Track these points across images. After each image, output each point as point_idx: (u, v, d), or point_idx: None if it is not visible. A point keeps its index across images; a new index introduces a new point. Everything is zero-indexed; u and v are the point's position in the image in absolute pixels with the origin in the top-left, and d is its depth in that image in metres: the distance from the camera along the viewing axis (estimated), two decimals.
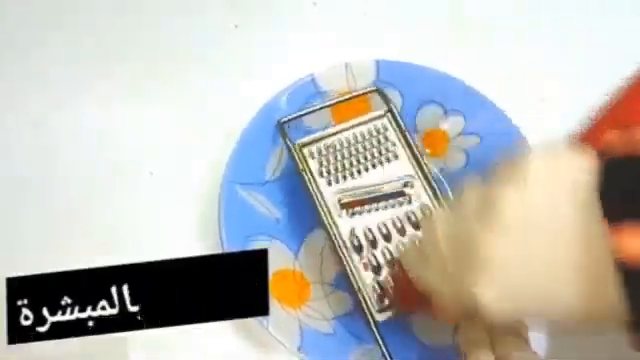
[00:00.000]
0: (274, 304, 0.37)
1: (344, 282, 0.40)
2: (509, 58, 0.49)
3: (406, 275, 0.32)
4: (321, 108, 0.41)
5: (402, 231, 0.38)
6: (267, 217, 0.40)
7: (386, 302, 0.36)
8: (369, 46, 0.49)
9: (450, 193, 0.40)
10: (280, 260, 0.40)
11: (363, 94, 0.42)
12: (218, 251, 0.39)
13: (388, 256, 0.37)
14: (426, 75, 0.43)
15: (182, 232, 0.43)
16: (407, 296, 0.34)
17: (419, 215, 0.38)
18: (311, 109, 0.41)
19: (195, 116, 0.47)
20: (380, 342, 0.35)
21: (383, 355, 0.35)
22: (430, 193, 0.38)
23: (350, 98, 0.41)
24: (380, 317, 0.36)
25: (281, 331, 0.36)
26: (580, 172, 0.24)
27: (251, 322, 0.38)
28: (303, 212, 0.41)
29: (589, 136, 0.28)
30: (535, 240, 0.24)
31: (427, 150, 0.43)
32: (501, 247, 0.25)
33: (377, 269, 0.37)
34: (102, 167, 0.45)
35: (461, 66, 0.43)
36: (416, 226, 0.38)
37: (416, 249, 0.32)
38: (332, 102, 0.41)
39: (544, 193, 0.24)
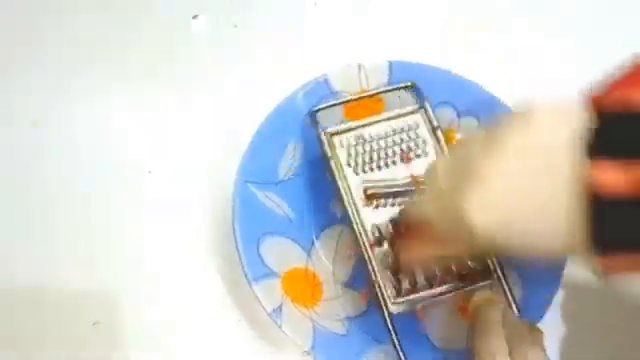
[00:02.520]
0: (287, 303, 0.37)
1: (357, 282, 0.40)
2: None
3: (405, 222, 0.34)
4: (347, 101, 0.41)
5: None
6: (280, 216, 0.40)
7: (402, 295, 0.36)
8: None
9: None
10: (293, 259, 0.40)
11: (397, 89, 0.41)
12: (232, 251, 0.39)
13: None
14: (439, 77, 0.43)
15: (187, 233, 0.43)
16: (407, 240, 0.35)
17: None
18: (342, 100, 0.41)
19: (197, 117, 0.46)
20: (393, 335, 0.35)
21: (395, 349, 0.35)
22: None
23: (384, 91, 0.41)
24: (395, 309, 0.35)
25: (294, 330, 0.36)
26: (579, 121, 0.25)
27: (264, 322, 0.38)
28: (316, 212, 0.41)
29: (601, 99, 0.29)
30: (530, 172, 0.26)
31: None
32: (497, 171, 0.27)
33: (396, 264, 0.36)
34: (102, 167, 0.45)
35: (474, 68, 0.43)
36: None
37: (417, 192, 0.34)
38: (357, 97, 0.41)
39: (546, 134, 0.26)
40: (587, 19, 0.51)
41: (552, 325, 0.40)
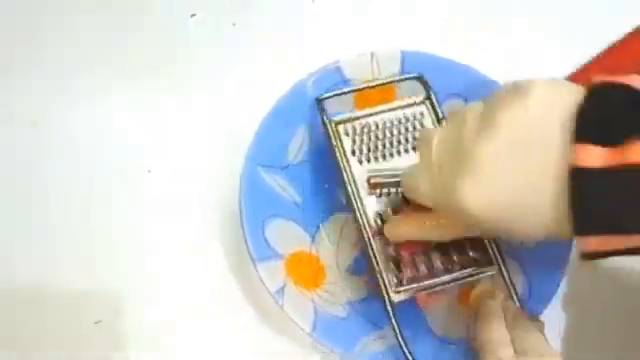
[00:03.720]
0: (290, 285, 0.38)
1: (360, 268, 0.40)
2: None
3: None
4: (354, 90, 0.41)
5: None
6: (287, 200, 0.41)
7: (403, 284, 0.36)
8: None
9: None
10: (297, 242, 0.40)
11: (403, 79, 0.41)
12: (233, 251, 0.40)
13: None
14: (451, 68, 0.43)
15: (188, 233, 0.43)
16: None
17: None
18: (349, 89, 0.41)
19: (196, 116, 0.47)
20: (394, 323, 0.35)
21: (396, 337, 0.35)
22: None
23: (390, 82, 0.41)
24: (396, 298, 0.36)
25: (296, 311, 0.37)
26: (572, 99, 0.26)
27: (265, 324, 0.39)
28: (323, 197, 0.42)
29: (580, 77, 0.29)
30: (523, 155, 0.26)
31: None
32: (491, 152, 0.27)
33: (397, 251, 0.37)
34: (102, 166, 0.45)
35: (482, 58, 0.43)
36: None
37: (411, 167, 0.34)
38: (364, 86, 0.41)
39: (540, 115, 0.26)
40: (588, 19, 0.50)
41: (555, 318, 0.40)
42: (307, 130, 0.42)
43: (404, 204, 0.37)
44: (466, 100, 0.43)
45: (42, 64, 0.48)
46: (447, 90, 0.43)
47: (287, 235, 0.40)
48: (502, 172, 0.27)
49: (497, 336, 0.33)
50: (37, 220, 0.44)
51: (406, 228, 0.35)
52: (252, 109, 0.44)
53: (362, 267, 0.40)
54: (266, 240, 0.38)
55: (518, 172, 0.26)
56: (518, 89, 0.27)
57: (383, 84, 0.41)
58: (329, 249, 0.41)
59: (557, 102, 0.26)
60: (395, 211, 0.37)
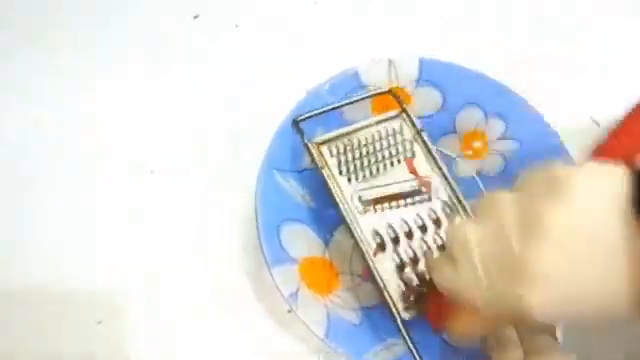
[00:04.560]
0: (303, 289, 0.37)
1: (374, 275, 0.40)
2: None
3: (435, 289, 0.32)
4: (334, 108, 0.41)
5: (423, 228, 0.38)
6: (301, 204, 0.41)
7: (411, 300, 0.36)
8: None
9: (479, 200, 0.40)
10: (311, 248, 0.40)
11: (377, 94, 0.42)
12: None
13: (410, 253, 0.37)
14: (468, 76, 0.43)
15: (188, 233, 0.43)
16: (439, 311, 0.34)
17: (439, 212, 0.38)
18: (327, 108, 0.40)
19: (199, 117, 0.47)
20: (407, 339, 0.35)
21: (411, 352, 0.35)
22: (449, 191, 0.39)
23: (364, 98, 0.41)
24: (406, 315, 0.36)
25: (309, 316, 0.36)
26: (618, 184, 0.25)
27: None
28: (336, 204, 0.42)
29: (609, 149, 0.29)
30: (584, 252, 0.25)
31: (466, 152, 0.43)
32: (549, 261, 0.25)
33: (401, 267, 0.37)
34: (103, 167, 0.45)
35: (498, 67, 0.43)
36: (437, 222, 0.38)
37: (444, 261, 0.31)
38: (344, 102, 0.41)
39: (589, 206, 0.25)
40: (595, 19, 0.51)
41: None
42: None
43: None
44: (482, 108, 0.43)
45: (42, 64, 0.48)
46: (463, 98, 0.43)
47: (301, 240, 0.39)
48: (564, 274, 0.25)
49: (504, 338, 0.32)
50: (37, 220, 0.44)
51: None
52: (254, 110, 0.44)
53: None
54: (281, 244, 0.38)
55: (582, 269, 0.25)
56: (555, 182, 0.26)
57: (360, 100, 0.41)
58: (343, 255, 0.41)
59: (603, 189, 0.25)
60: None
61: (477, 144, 0.43)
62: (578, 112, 0.46)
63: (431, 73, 0.42)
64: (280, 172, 0.40)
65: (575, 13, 0.51)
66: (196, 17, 0.50)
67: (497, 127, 0.43)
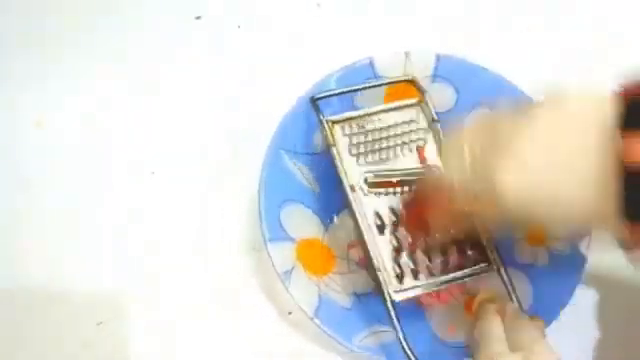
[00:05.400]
0: (298, 268, 0.38)
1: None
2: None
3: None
4: (352, 91, 0.41)
5: None
6: (306, 187, 0.41)
7: (404, 283, 0.36)
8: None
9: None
10: (310, 230, 0.40)
11: (397, 82, 0.42)
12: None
13: (409, 240, 0.38)
14: (483, 77, 0.43)
15: (189, 233, 0.43)
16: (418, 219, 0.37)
17: None
18: (345, 89, 0.41)
19: (200, 117, 0.47)
20: (395, 321, 0.35)
21: (397, 335, 0.35)
22: None
23: (383, 84, 0.42)
24: (397, 297, 0.36)
25: (301, 294, 0.37)
26: (608, 104, 0.27)
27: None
28: (340, 190, 0.42)
29: None
30: (562, 144, 0.28)
31: None
32: (529, 141, 0.28)
33: (398, 250, 0.37)
34: (103, 167, 0.45)
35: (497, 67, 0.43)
36: None
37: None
38: (362, 87, 0.41)
39: (576, 110, 0.28)
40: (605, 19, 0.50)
41: (570, 324, 0.39)
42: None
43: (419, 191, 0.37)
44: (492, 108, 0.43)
45: (43, 64, 0.48)
46: (478, 99, 0.43)
47: (302, 221, 0.40)
48: (542, 158, 0.28)
49: (492, 333, 0.33)
50: (38, 220, 0.44)
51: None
52: (254, 110, 0.45)
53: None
54: (280, 222, 0.39)
55: (557, 154, 0.28)
56: (552, 98, 0.29)
57: (379, 85, 0.42)
58: (341, 240, 0.41)
59: (594, 106, 0.28)
60: (406, 203, 0.38)
61: None
62: None
63: (447, 70, 0.43)
64: (287, 153, 0.41)
65: (575, 12, 0.51)
66: (198, 18, 0.50)
67: None
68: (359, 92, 0.41)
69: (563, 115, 0.28)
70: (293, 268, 0.38)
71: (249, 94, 0.47)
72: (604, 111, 0.27)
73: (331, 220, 0.42)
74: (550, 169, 0.28)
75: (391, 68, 0.43)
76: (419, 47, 0.43)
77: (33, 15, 0.51)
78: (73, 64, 0.49)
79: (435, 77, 0.43)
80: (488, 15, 0.51)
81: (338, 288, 0.39)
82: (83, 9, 0.51)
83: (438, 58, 0.43)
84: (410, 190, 0.39)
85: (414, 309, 0.39)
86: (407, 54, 0.43)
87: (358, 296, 0.39)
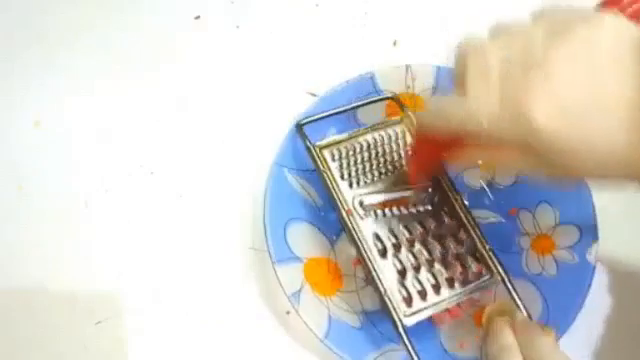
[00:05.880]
0: (306, 289, 0.38)
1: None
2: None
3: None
4: (339, 112, 0.41)
5: (425, 234, 0.38)
6: (310, 204, 0.41)
7: (413, 306, 0.36)
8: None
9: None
10: (317, 248, 0.40)
11: (382, 99, 0.42)
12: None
13: (412, 260, 0.37)
14: None
15: (188, 232, 0.43)
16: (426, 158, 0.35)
17: (441, 218, 0.38)
18: (330, 112, 0.41)
19: (196, 117, 0.47)
20: (409, 346, 0.35)
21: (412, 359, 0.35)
22: (451, 195, 0.39)
23: (370, 102, 0.41)
24: (408, 322, 0.35)
25: (310, 317, 0.37)
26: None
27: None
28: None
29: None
30: (595, 63, 0.25)
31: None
32: (563, 60, 0.26)
33: (402, 273, 0.37)
34: (103, 167, 0.45)
35: None
36: (438, 228, 0.38)
37: (443, 99, 0.31)
38: (351, 106, 0.41)
39: (611, 31, 0.26)
40: None
41: (581, 333, 0.39)
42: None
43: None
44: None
45: (43, 64, 0.48)
46: None
47: (308, 239, 0.40)
48: (577, 77, 0.25)
49: (505, 345, 0.32)
50: (37, 220, 0.44)
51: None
52: (254, 111, 0.44)
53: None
54: (287, 242, 0.38)
55: (593, 81, 0.25)
56: (587, 18, 0.27)
57: (359, 106, 0.41)
58: (348, 257, 0.41)
59: (628, 31, 0.26)
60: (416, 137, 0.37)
61: None
62: None
63: (447, 81, 0.42)
64: (290, 171, 0.40)
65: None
66: (197, 18, 0.50)
67: None
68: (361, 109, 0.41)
69: (597, 32, 0.26)
70: (301, 289, 0.37)
71: (248, 93, 0.47)
72: (636, 35, 0.25)
73: (337, 236, 0.41)
74: (586, 90, 0.25)
75: (392, 81, 0.42)
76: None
77: (33, 15, 0.51)
78: (72, 64, 0.49)
79: (436, 90, 0.42)
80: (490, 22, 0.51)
81: (347, 307, 0.39)
82: (83, 9, 0.51)
83: (438, 70, 0.43)
84: (407, 208, 0.39)
85: (424, 325, 0.38)
86: (408, 67, 0.43)
87: (367, 314, 0.39)
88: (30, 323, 0.41)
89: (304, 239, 0.39)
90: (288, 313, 0.40)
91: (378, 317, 0.39)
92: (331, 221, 0.41)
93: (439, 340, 0.39)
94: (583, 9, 0.28)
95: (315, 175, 0.41)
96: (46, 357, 0.40)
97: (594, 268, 0.38)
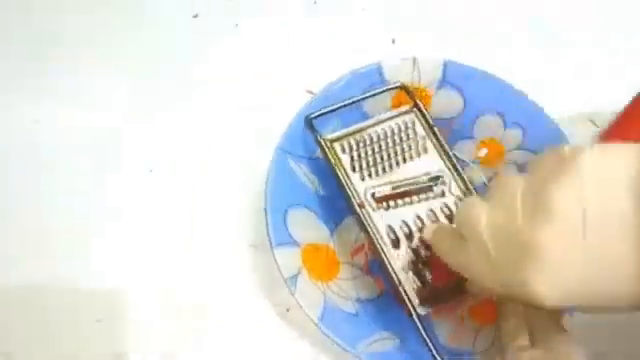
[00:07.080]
0: (303, 273, 0.38)
1: (374, 269, 0.40)
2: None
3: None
4: (348, 104, 0.41)
5: (436, 221, 0.38)
6: (311, 191, 0.41)
7: (425, 295, 0.36)
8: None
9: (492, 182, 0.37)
10: (316, 235, 0.40)
11: (390, 89, 0.42)
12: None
13: (424, 250, 0.37)
14: (491, 84, 0.43)
15: (188, 232, 0.43)
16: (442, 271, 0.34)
17: (453, 207, 0.38)
18: (338, 105, 0.40)
19: (196, 116, 0.47)
20: (424, 334, 0.35)
21: (427, 346, 0.35)
22: (461, 185, 0.39)
23: (378, 93, 0.41)
24: (422, 310, 0.35)
25: (306, 300, 0.37)
26: (629, 162, 0.24)
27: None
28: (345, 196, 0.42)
29: (616, 132, 0.29)
30: (592, 234, 0.24)
31: (480, 157, 0.44)
32: (556, 245, 0.25)
33: (415, 262, 0.37)
34: (103, 167, 0.45)
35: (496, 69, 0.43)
36: (450, 218, 0.38)
37: (450, 234, 0.32)
38: (360, 98, 0.41)
39: (600, 188, 0.24)
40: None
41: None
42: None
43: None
44: (501, 117, 0.43)
45: (43, 64, 0.48)
46: (485, 106, 0.43)
47: (307, 225, 0.40)
48: (569, 255, 0.25)
49: (514, 329, 0.33)
50: (36, 220, 0.44)
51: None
52: (254, 110, 0.44)
53: (376, 268, 0.40)
54: (286, 226, 0.38)
55: (588, 251, 0.24)
56: (562, 163, 0.26)
57: (365, 98, 0.41)
58: (346, 246, 0.41)
59: (612, 168, 0.24)
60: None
61: (492, 152, 0.43)
62: (576, 114, 0.46)
63: (454, 76, 0.43)
64: (293, 157, 0.41)
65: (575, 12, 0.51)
66: (195, 16, 0.50)
67: (514, 137, 0.43)
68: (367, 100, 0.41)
69: (579, 192, 0.24)
70: (298, 273, 0.38)
71: (247, 93, 0.47)
72: (630, 181, 0.23)
73: (337, 224, 0.41)
74: (582, 263, 0.24)
75: (399, 73, 0.43)
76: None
77: (33, 15, 0.51)
78: (71, 63, 0.49)
79: (443, 83, 0.43)
80: (497, 22, 0.51)
81: (343, 294, 0.39)
82: (82, 9, 0.51)
83: (445, 64, 0.43)
84: (419, 200, 0.39)
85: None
86: (415, 60, 0.43)
87: (363, 302, 0.39)
88: (29, 321, 0.41)
89: (304, 225, 0.40)
90: (288, 310, 0.40)
91: (373, 305, 0.39)
92: (332, 209, 0.41)
93: (434, 333, 0.39)
94: (563, 152, 0.26)
95: (317, 162, 0.41)
96: (47, 355, 0.40)
97: None
